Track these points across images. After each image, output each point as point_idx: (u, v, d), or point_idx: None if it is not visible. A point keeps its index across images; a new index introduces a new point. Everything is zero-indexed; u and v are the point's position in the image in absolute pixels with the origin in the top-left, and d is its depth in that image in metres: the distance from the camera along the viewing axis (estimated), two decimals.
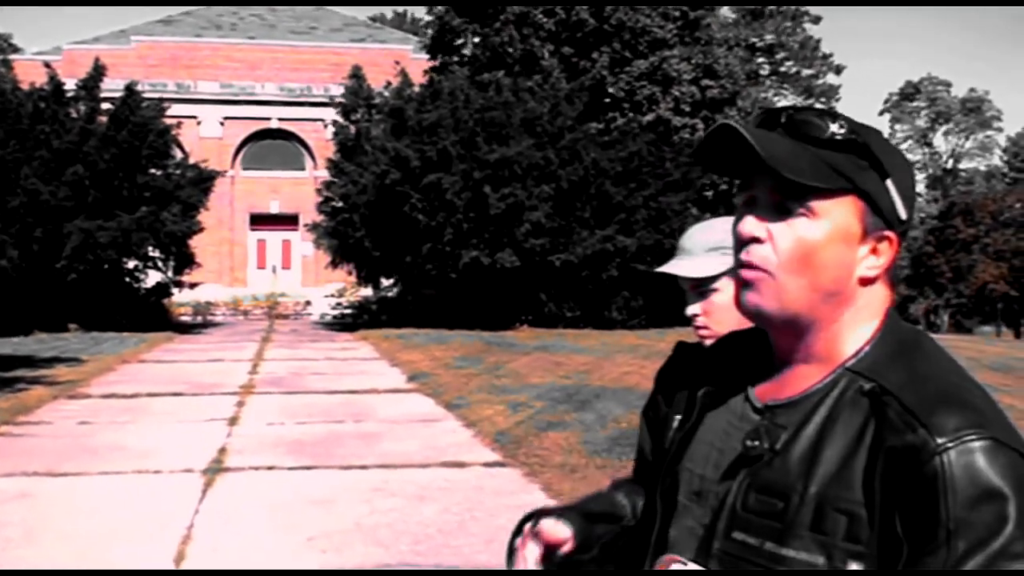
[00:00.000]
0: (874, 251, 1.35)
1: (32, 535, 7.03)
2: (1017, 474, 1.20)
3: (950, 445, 1.20)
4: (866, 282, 1.36)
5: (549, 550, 2.22)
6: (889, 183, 1.35)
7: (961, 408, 1.24)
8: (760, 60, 46.30)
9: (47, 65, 28.71)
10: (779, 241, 1.34)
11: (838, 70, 55.57)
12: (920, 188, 71.32)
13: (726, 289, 2.33)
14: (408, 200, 26.50)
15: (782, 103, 51.05)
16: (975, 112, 70.61)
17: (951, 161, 72.29)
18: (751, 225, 1.35)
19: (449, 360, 17.99)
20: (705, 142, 1.38)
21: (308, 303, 38.50)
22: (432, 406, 13.21)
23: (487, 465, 9.30)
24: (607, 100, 33.11)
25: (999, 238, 51.99)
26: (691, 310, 2.42)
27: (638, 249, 27.27)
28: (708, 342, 2.39)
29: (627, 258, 27.17)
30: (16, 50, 42.56)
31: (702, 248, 2.38)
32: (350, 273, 31.29)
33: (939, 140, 72.40)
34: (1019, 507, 1.18)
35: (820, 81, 55.29)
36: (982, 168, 71.77)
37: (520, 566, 2.12)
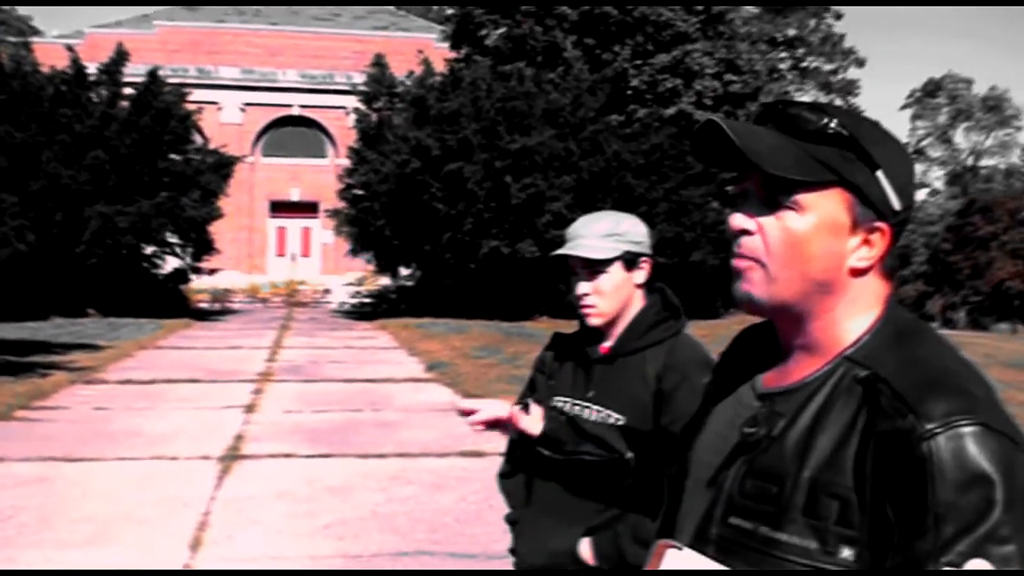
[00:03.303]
0: (866, 242, 1.37)
1: (47, 519, 7.01)
2: (1006, 459, 1.21)
3: (939, 430, 1.21)
4: (858, 273, 1.38)
5: (508, 427, 2.95)
6: (880, 174, 1.36)
7: (952, 393, 1.25)
8: (782, 55, 46.06)
9: (70, 49, 28.71)
10: (768, 233, 1.37)
11: (860, 63, 55.38)
12: (939, 185, 71.05)
13: (615, 272, 2.67)
14: (429, 189, 26.48)
15: (802, 99, 50.84)
16: (995, 110, 70.25)
17: (971, 158, 71.94)
18: (740, 219, 1.39)
19: (468, 350, 17.95)
20: (696, 137, 1.41)
21: (327, 291, 38.49)
22: (450, 396, 13.15)
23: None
24: (629, 92, 32.95)
25: (1017, 236, 51.80)
26: (582, 288, 2.70)
27: (659, 241, 27.11)
28: (593, 321, 2.72)
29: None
30: (36, 33, 42.52)
31: (596, 235, 2.68)
32: (369, 262, 31.31)
33: (959, 137, 72.06)
34: (1007, 492, 1.19)
35: (839, 76, 55.12)
36: (1002, 166, 71.41)
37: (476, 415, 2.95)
